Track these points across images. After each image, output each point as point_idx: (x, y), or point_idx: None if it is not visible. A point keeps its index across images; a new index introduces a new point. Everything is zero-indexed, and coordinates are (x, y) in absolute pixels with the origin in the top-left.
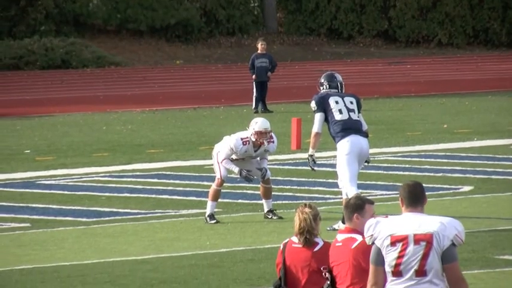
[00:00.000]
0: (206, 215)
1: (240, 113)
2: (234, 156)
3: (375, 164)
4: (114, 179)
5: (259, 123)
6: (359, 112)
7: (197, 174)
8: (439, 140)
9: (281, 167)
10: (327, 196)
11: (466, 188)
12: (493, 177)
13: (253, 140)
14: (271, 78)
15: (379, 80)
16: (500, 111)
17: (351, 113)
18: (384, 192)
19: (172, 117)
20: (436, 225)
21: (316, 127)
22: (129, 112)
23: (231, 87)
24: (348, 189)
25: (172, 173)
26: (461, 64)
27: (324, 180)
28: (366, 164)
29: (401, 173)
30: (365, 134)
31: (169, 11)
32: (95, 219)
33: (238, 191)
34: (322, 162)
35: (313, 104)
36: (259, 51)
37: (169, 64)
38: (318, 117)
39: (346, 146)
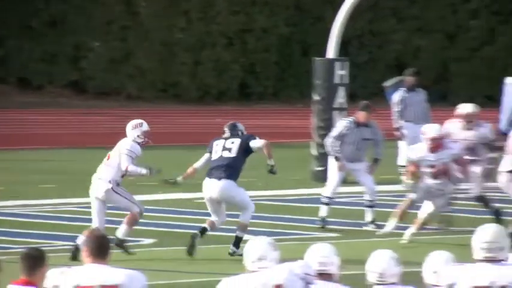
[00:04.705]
0: None
1: None
2: None
3: (58, 215)
4: None
5: None
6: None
7: None
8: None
9: None
10: None
11: (148, 241)
12: (177, 230)
13: None
14: None
15: (69, 130)
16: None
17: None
18: (67, 243)
19: None
20: (123, 277)
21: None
22: None
23: None
24: None
25: None
26: (151, 117)
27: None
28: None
29: (87, 224)
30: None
31: None
32: None
33: None
34: None
35: None
36: None
37: None
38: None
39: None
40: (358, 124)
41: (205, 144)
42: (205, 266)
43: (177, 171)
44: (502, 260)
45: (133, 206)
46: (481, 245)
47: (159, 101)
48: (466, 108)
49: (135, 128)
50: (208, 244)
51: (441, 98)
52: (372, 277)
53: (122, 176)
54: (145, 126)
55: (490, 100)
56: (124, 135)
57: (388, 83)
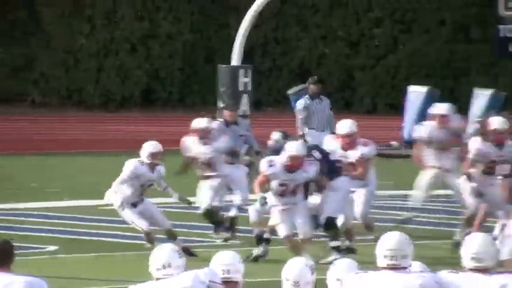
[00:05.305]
0: None
1: None
2: None
3: None
4: None
5: None
6: None
7: None
8: (29, 198)
9: None
10: None
11: (52, 248)
12: (81, 237)
13: None
14: None
15: None
16: (93, 172)
17: None
18: None
19: None
20: (22, 284)
21: None
22: None
23: None
24: None
25: None
26: (55, 124)
27: None
28: None
29: (3, 231)
30: None
31: None
32: None
33: None
34: None
35: None
36: None
37: None
38: None
39: None
40: (227, 124)
41: (112, 150)
42: (110, 273)
43: (86, 177)
44: (406, 268)
45: (137, 225)
46: (385, 253)
47: (64, 107)
48: (199, 122)
49: (143, 149)
50: (114, 251)
51: (345, 105)
52: (286, 285)
53: (141, 194)
54: (153, 148)
55: (393, 108)
56: (28, 141)
57: (291, 91)
